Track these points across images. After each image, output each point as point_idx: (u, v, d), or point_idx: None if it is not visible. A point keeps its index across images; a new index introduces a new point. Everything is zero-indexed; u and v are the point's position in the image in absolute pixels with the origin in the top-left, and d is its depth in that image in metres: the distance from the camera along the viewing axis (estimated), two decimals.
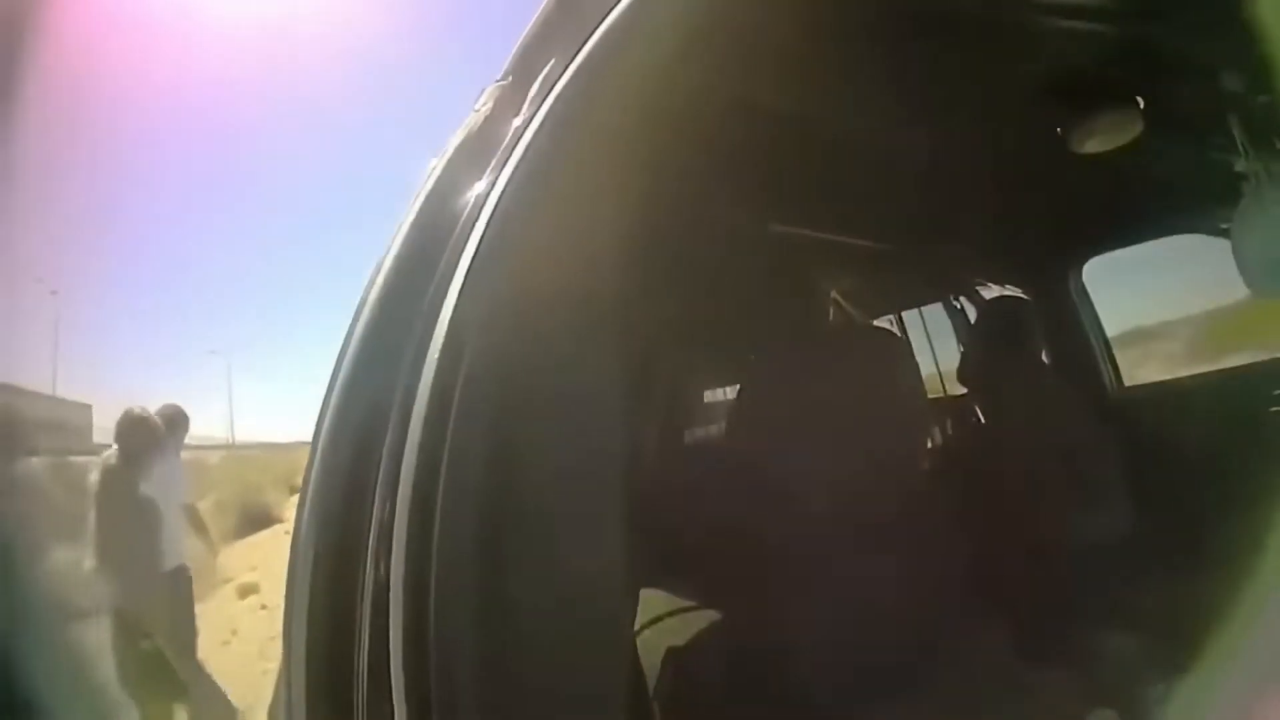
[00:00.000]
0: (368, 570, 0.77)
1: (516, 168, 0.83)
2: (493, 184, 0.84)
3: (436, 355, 0.77)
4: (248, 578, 7.71)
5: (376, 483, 0.79)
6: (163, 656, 2.97)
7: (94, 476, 3.15)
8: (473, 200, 0.85)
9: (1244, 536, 0.53)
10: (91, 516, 3.13)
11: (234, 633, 5.34)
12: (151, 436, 3.34)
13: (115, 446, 3.19)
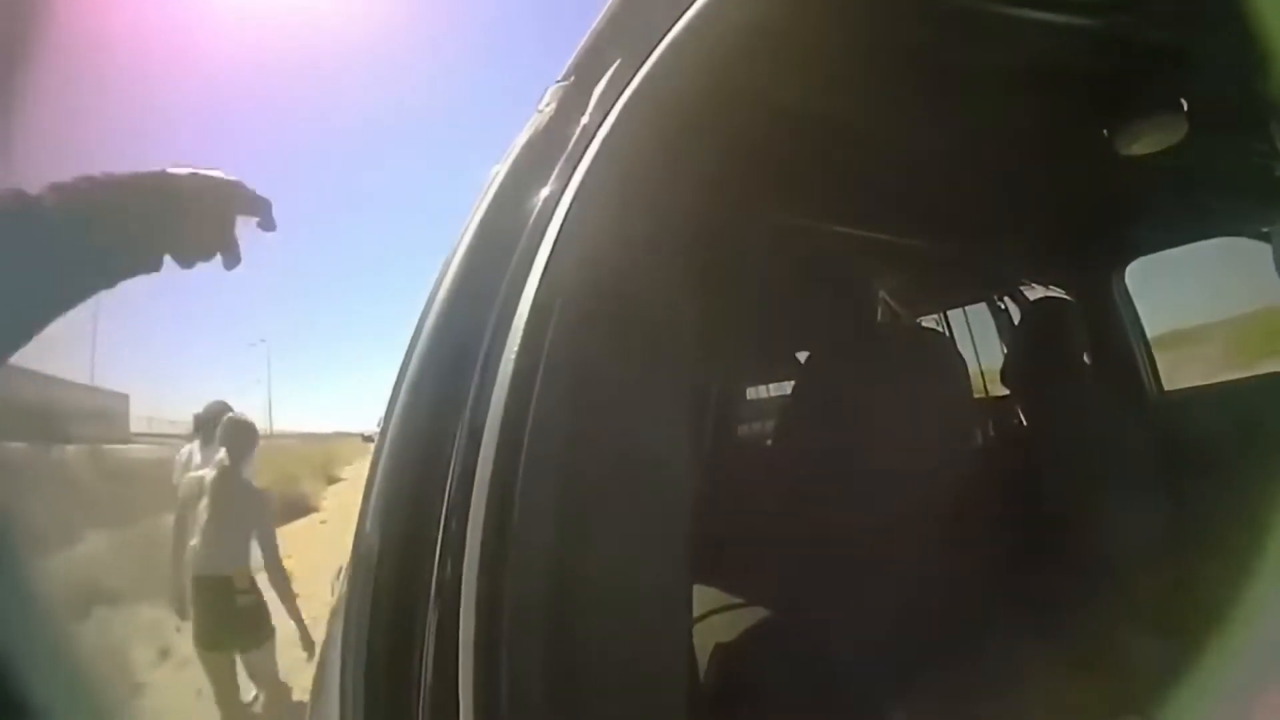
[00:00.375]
0: (434, 569, 0.78)
1: (588, 172, 0.84)
2: (563, 186, 0.85)
3: (514, 356, 0.78)
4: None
5: (447, 482, 0.80)
6: (255, 609, 3.86)
7: (209, 474, 3.90)
8: (541, 202, 0.86)
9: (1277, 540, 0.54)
10: (203, 504, 3.84)
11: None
12: (253, 436, 4.15)
13: (224, 450, 3.91)
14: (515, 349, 0.78)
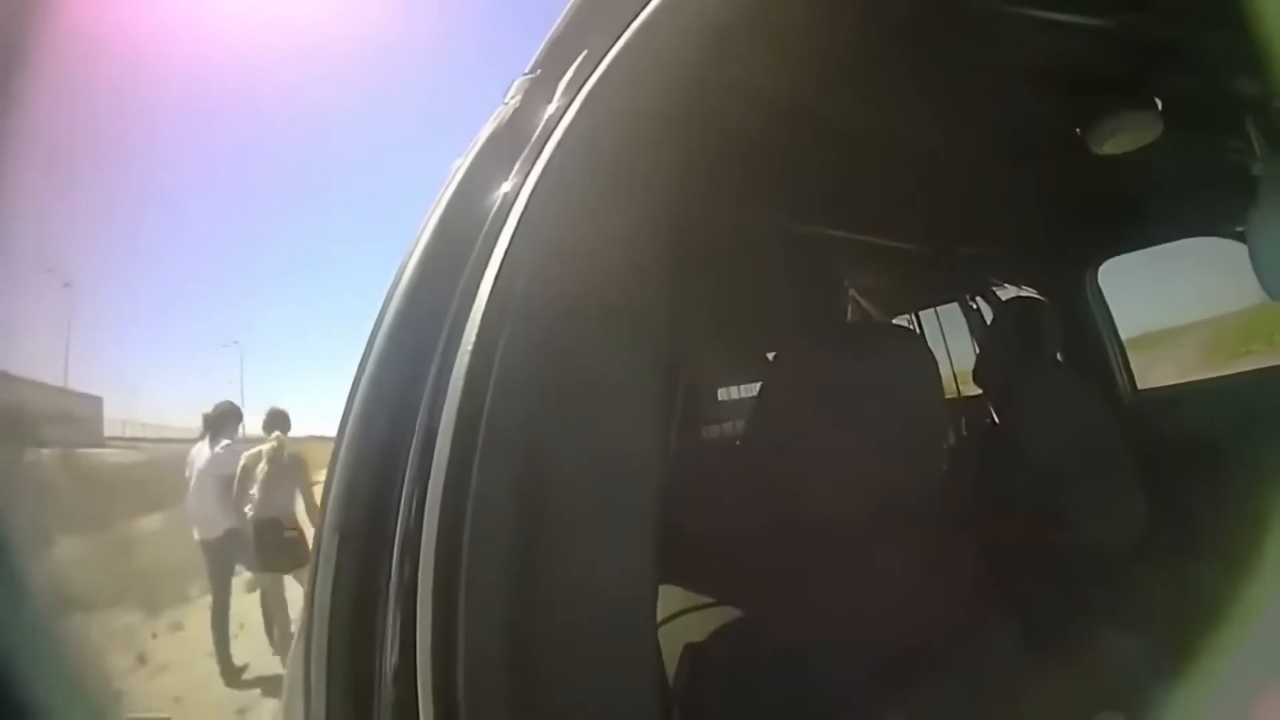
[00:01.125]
0: (393, 569, 0.77)
1: (549, 163, 0.82)
2: (524, 179, 0.84)
3: (470, 349, 0.76)
4: None
5: (403, 479, 0.79)
6: (297, 542, 4.46)
7: (267, 447, 5.53)
8: (502, 196, 0.85)
9: (1249, 539, 0.53)
10: (261, 467, 5.43)
11: (242, 626, 5.49)
12: (288, 419, 5.79)
13: (274, 436, 5.61)
14: (470, 346, 0.77)
